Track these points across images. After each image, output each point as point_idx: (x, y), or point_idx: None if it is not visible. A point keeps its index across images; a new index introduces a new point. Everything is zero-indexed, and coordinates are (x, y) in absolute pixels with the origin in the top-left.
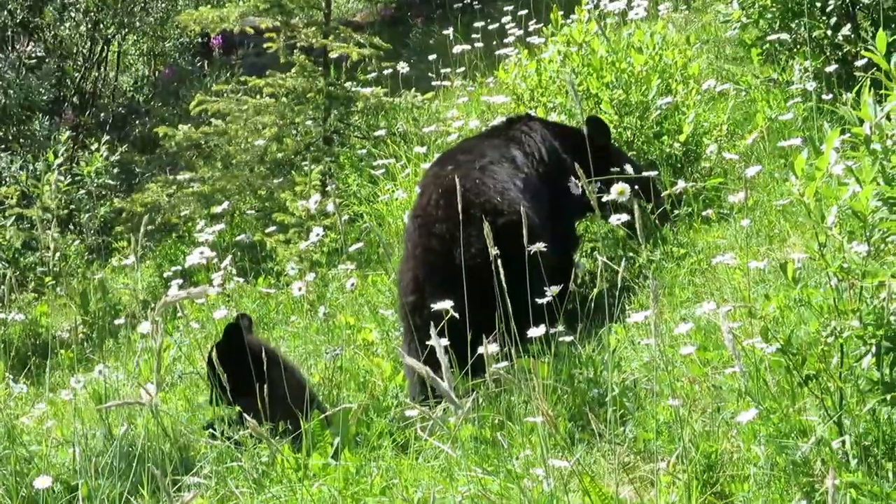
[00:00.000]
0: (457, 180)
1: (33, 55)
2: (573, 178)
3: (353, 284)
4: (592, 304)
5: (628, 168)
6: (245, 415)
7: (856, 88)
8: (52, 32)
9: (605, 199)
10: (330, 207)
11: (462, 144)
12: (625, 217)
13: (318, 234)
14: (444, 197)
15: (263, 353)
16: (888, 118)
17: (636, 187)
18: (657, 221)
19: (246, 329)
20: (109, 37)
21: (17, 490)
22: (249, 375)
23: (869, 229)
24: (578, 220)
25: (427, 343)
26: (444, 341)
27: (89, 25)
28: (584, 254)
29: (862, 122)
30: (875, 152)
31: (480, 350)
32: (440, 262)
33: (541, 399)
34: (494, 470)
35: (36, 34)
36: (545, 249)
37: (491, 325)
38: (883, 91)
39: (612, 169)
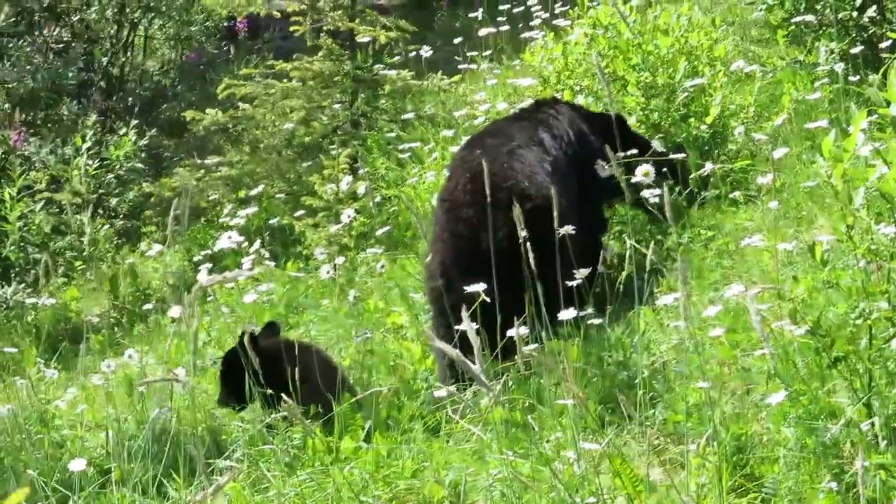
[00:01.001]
0: (485, 164)
1: (60, 39)
2: (600, 161)
3: (382, 266)
4: (621, 287)
5: (656, 147)
6: (283, 396)
7: (882, 69)
8: (79, 17)
9: (633, 180)
10: (362, 189)
11: (490, 127)
12: (657, 191)
13: (348, 217)
14: (472, 181)
15: (289, 347)
16: None
17: (664, 169)
18: (685, 203)
19: (274, 333)
20: (136, 20)
21: (52, 473)
22: (279, 367)
23: None
24: (607, 203)
25: (456, 327)
26: (475, 325)
27: (115, 9)
28: (612, 236)
29: (889, 103)
30: None
31: (510, 333)
32: (468, 247)
33: (571, 381)
34: (525, 453)
35: (63, 18)
36: (573, 233)
37: (520, 310)
38: None
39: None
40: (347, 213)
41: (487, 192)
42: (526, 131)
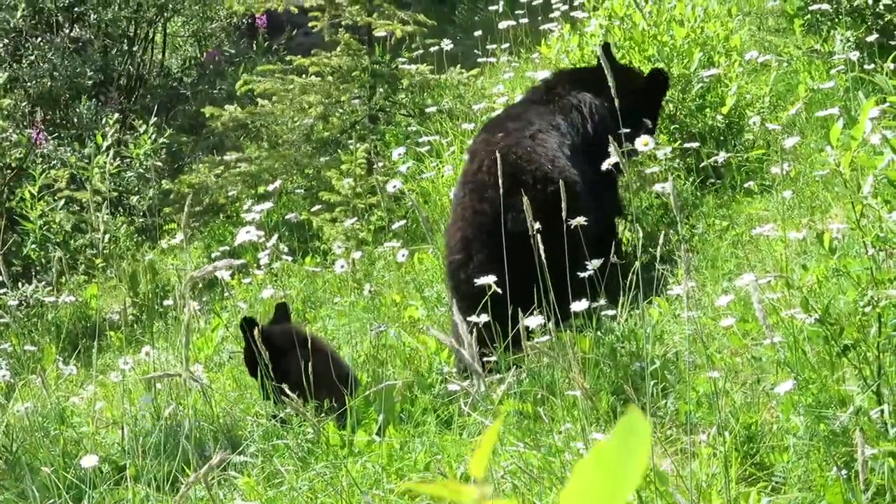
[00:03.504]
0: (508, 148)
1: (78, 39)
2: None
3: (404, 255)
4: (634, 277)
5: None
6: (288, 392)
7: (892, 56)
8: (96, 17)
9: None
10: (392, 187)
11: (509, 111)
12: (668, 185)
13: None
14: (496, 164)
15: (301, 336)
16: None
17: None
18: (697, 193)
19: (285, 316)
20: (153, 19)
21: (67, 470)
22: (294, 358)
23: None
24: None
25: (473, 305)
26: (485, 317)
27: (131, 9)
28: (626, 227)
29: None
30: None
31: (525, 322)
32: (490, 225)
33: (577, 372)
34: (536, 444)
35: (80, 19)
36: (587, 221)
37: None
38: None
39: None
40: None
41: (507, 173)
42: (544, 117)
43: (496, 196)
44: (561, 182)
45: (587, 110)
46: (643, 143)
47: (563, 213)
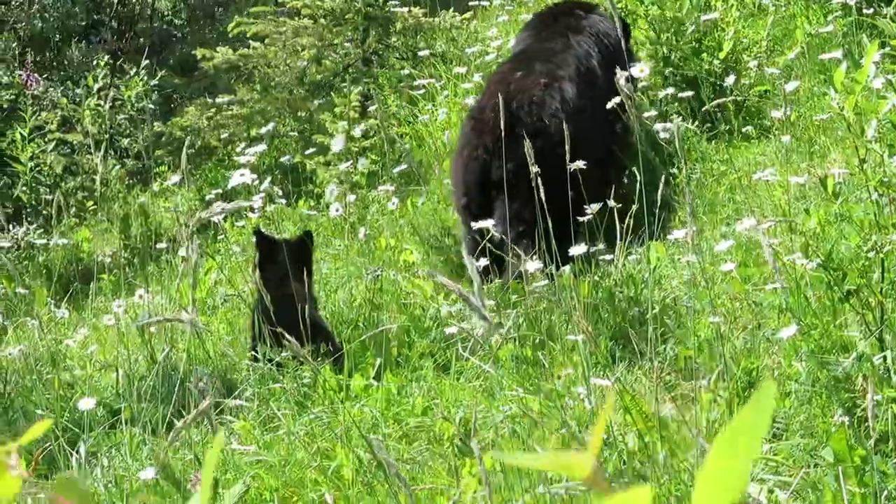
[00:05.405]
0: (516, 92)
1: None
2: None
3: (395, 204)
4: (632, 222)
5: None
6: (286, 335)
7: (893, 2)
8: None
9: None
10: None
11: (545, 46)
12: (673, 125)
13: (362, 165)
14: (503, 103)
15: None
16: None
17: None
18: (696, 133)
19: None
20: None
21: (62, 413)
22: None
23: None
24: None
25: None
26: (484, 261)
27: None
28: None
29: None
30: None
31: (526, 267)
32: (482, 170)
33: (580, 316)
34: (536, 389)
35: None
36: (585, 166)
37: (529, 243)
38: None
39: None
40: (361, 162)
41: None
42: (581, 59)
43: (490, 141)
44: (550, 135)
45: (613, 38)
46: (640, 69)
47: (561, 165)
